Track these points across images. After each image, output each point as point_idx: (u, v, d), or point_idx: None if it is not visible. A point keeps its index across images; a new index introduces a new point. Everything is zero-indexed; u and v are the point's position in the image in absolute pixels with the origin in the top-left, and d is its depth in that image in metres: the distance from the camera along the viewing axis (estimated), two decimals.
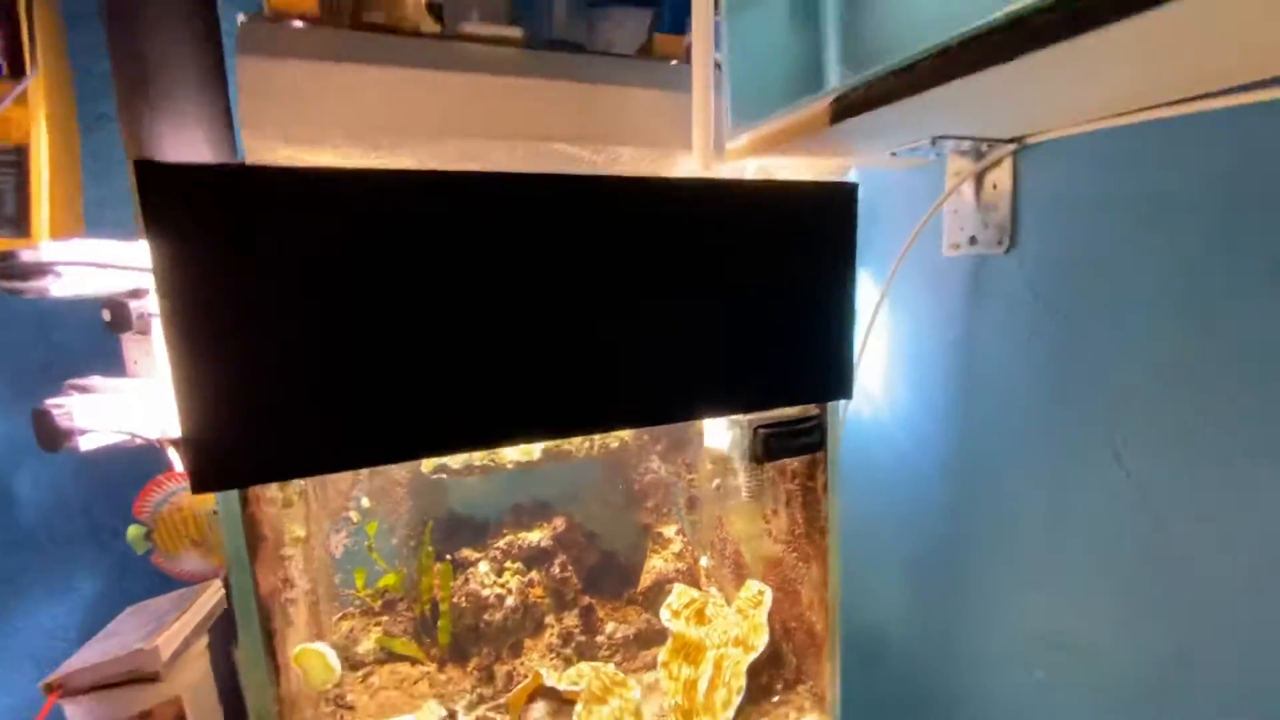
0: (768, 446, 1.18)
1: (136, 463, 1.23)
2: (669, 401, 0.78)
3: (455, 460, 1.64)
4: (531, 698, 1.36)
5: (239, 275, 0.61)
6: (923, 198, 1.29)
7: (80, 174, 1.24)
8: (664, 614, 1.49)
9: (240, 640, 0.92)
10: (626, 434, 1.80)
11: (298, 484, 1.26)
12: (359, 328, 0.65)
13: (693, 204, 0.74)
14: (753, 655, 1.40)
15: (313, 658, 1.18)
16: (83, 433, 1.07)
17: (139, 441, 1.14)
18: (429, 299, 0.66)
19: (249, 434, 0.63)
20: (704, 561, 1.84)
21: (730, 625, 1.52)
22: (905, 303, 1.39)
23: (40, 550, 1.71)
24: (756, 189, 0.78)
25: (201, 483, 0.63)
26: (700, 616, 1.57)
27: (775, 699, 1.45)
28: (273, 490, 1.09)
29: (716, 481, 1.81)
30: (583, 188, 0.69)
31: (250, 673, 0.93)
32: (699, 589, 1.64)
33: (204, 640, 1.56)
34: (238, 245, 0.60)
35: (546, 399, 0.71)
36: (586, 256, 0.71)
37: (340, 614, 1.83)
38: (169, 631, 1.37)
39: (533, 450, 1.68)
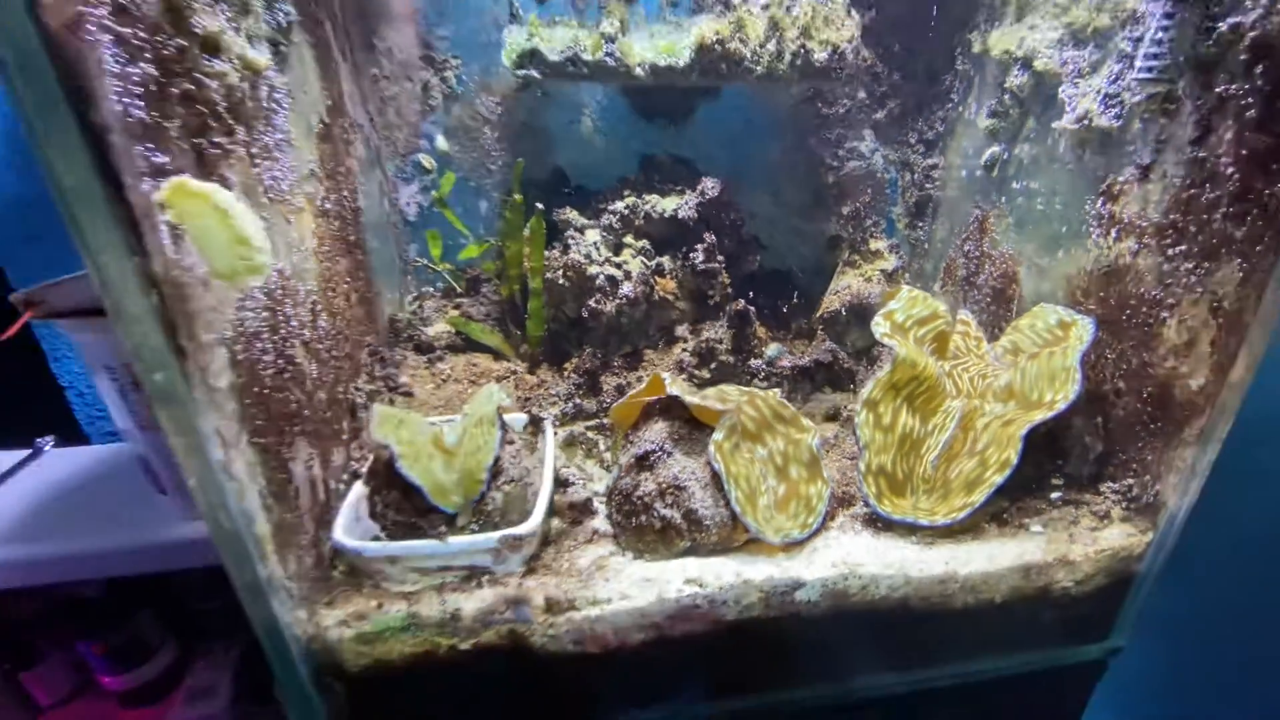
0: None
1: None
2: None
3: (554, 45, 1.01)
4: (647, 413, 0.85)
5: None
6: None
7: None
8: (880, 327, 0.88)
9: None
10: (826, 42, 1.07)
11: None
12: None
13: None
14: (1041, 417, 0.78)
15: (202, 206, 0.51)
16: None
17: None
18: None
19: None
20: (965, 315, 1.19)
21: (994, 369, 0.90)
22: None
23: None
24: None
25: None
26: (942, 343, 0.94)
27: (1056, 495, 0.85)
28: None
29: (991, 152, 1.07)
30: None
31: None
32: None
33: None
34: None
35: None
36: None
37: (416, 294, 1.41)
38: None
39: (679, 49, 1.02)
